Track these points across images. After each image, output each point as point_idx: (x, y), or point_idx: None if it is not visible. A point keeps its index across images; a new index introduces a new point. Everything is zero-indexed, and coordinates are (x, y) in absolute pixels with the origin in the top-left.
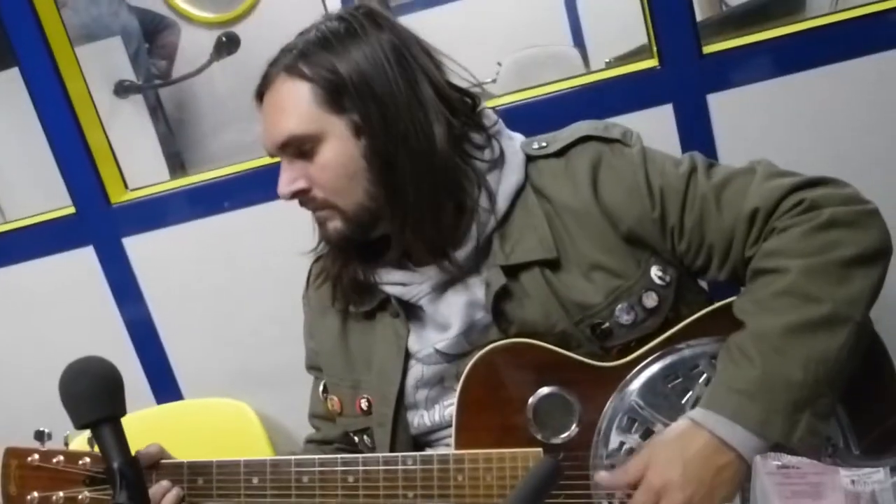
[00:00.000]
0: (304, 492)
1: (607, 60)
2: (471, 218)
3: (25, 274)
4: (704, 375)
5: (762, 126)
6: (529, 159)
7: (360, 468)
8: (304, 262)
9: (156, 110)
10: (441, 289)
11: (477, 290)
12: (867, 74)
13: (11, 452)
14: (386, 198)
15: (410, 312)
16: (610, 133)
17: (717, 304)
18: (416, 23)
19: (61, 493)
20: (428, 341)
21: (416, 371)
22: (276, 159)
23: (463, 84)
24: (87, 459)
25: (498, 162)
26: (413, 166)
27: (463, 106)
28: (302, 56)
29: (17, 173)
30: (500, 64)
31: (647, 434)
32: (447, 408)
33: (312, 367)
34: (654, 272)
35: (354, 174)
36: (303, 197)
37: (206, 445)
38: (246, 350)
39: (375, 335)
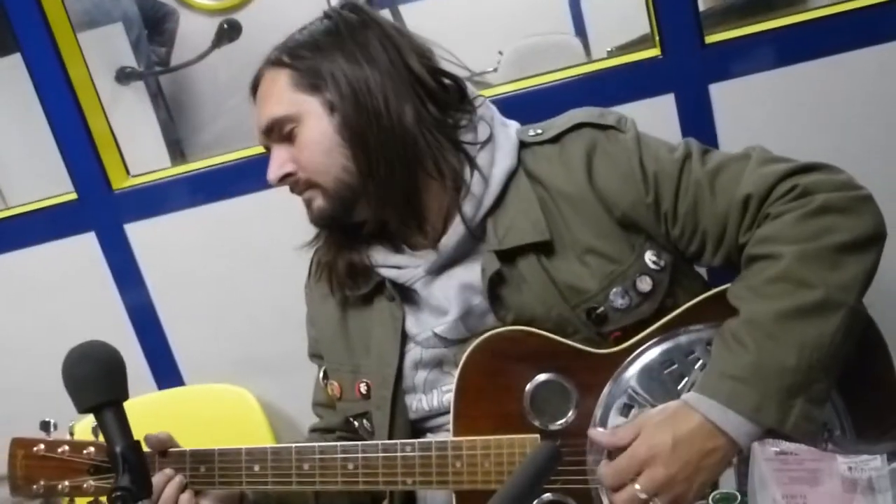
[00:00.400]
0: (305, 479)
1: (609, 50)
2: (455, 200)
3: (27, 260)
4: (700, 361)
5: (764, 116)
6: (524, 146)
7: (360, 455)
8: (306, 249)
9: (157, 97)
10: (436, 273)
11: (472, 274)
12: (869, 65)
13: (18, 443)
14: (360, 173)
15: (406, 296)
16: (605, 119)
17: (712, 291)
18: (420, 12)
19: (66, 482)
20: (426, 325)
21: (414, 353)
22: None
23: (460, 72)
24: (92, 449)
25: (487, 145)
26: (384, 143)
27: (442, 89)
28: (285, 48)
29: (18, 159)
30: (501, 53)
31: None
32: (445, 393)
33: (314, 355)
34: (649, 257)
35: (330, 150)
36: (290, 180)
37: (208, 431)
38: (247, 336)
39: (373, 319)
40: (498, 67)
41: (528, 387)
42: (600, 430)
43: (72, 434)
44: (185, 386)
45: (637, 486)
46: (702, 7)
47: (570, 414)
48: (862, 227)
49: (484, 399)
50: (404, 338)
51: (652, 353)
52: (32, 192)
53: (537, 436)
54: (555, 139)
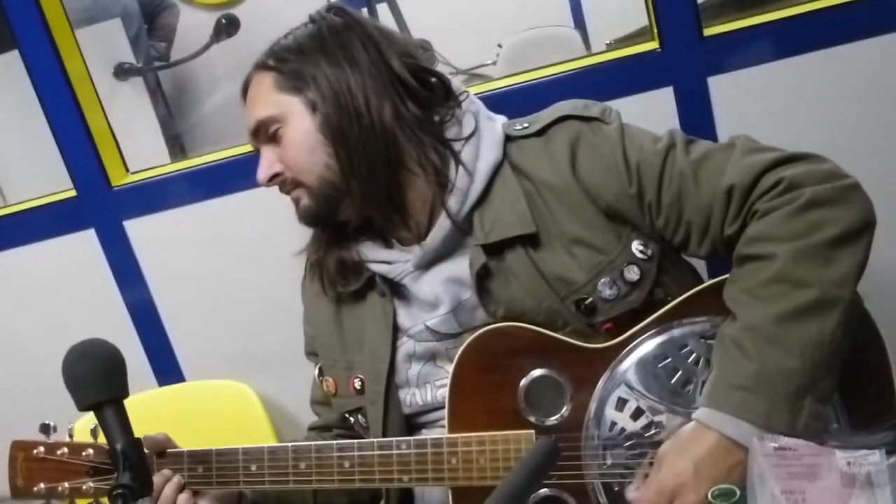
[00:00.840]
0: (302, 477)
1: (608, 42)
2: (440, 195)
3: (27, 257)
4: (694, 355)
5: (763, 109)
6: (510, 139)
7: (356, 453)
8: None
9: (155, 93)
10: (424, 268)
11: (460, 269)
12: (869, 57)
13: (18, 445)
14: (342, 171)
15: (397, 291)
16: (589, 111)
17: (705, 284)
18: (419, 6)
19: (66, 484)
20: (418, 318)
21: (407, 346)
22: None
23: (446, 69)
24: (91, 451)
25: (472, 139)
26: (365, 141)
27: (425, 87)
28: (271, 53)
29: (17, 156)
30: (500, 46)
31: (637, 414)
32: (439, 388)
33: (311, 353)
34: (636, 246)
35: (313, 149)
36: (278, 180)
37: (208, 427)
38: (247, 332)
39: (366, 315)
40: (497, 60)
41: (523, 382)
42: (636, 493)
43: (71, 435)
44: (186, 382)
45: None
46: None
47: (564, 409)
48: (851, 218)
49: (478, 395)
50: (396, 332)
51: (646, 347)
52: (31, 190)
53: (532, 432)
54: (540, 132)
